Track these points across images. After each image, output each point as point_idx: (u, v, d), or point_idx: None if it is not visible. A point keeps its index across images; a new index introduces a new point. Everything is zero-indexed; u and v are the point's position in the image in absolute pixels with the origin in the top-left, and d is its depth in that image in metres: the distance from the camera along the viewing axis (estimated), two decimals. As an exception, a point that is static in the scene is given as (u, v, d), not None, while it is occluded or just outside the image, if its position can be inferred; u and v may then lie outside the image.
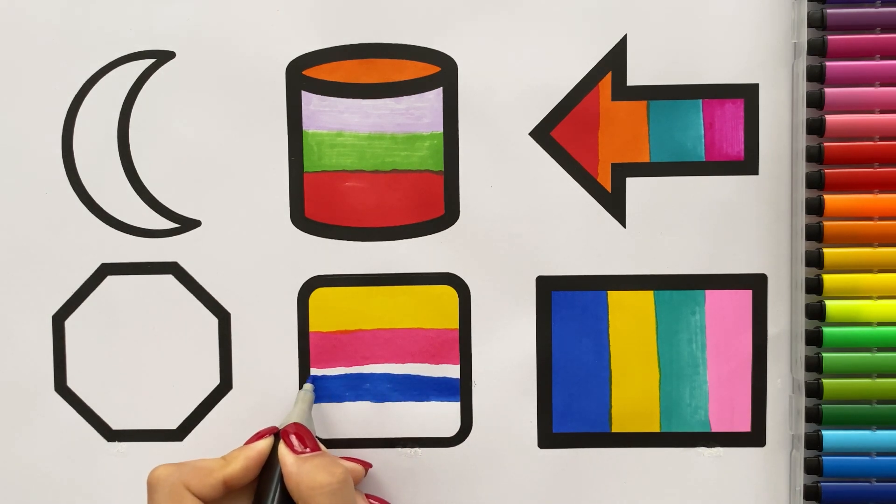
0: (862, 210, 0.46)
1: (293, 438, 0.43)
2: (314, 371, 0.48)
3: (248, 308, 0.48)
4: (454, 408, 0.48)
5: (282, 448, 0.43)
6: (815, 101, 0.45)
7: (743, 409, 0.47)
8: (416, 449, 0.48)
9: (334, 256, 0.48)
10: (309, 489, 0.41)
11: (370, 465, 0.47)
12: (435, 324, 0.48)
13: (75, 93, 0.48)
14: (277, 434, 0.44)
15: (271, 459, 0.43)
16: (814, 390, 0.46)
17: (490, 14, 0.47)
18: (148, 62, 0.47)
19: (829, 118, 0.45)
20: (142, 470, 0.48)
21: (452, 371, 0.48)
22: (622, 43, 0.47)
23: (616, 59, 0.47)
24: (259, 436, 0.44)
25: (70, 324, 0.48)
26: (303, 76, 0.47)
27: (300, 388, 0.48)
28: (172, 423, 0.48)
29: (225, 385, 0.48)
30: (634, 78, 0.47)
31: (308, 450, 0.43)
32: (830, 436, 0.46)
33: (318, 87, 0.47)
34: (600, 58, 0.47)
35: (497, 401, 0.48)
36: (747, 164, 0.47)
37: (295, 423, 0.44)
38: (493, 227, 0.47)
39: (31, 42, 0.48)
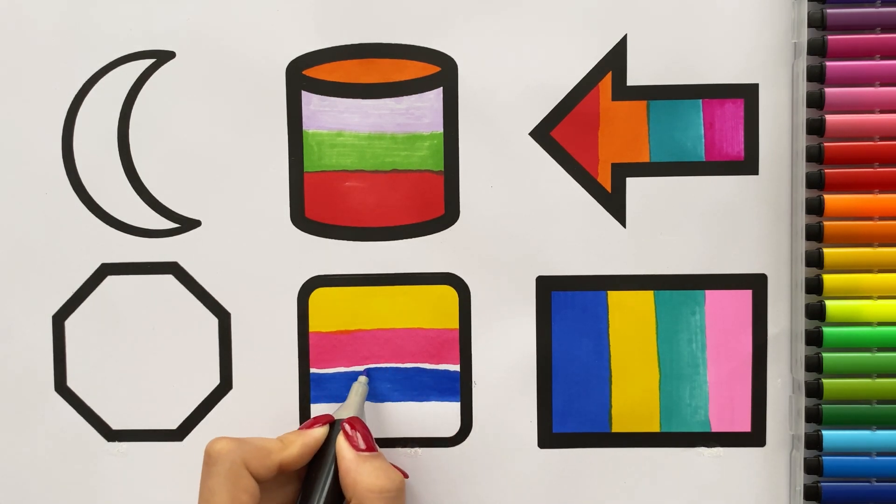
0: (862, 210, 0.46)
1: (356, 435, 0.43)
2: (314, 371, 0.48)
3: (248, 308, 0.48)
4: (454, 408, 0.48)
5: (341, 441, 0.43)
6: (815, 101, 0.45)
7: (743, 409, 0.47)
8: (416, 449, 0.48)
9: (334, 256, 0.48)
10: (367, 490, 0.41)
11: (407, 476, 0.47)
12: (435, 324, 0.48)
13: (75, 93, 0.48)
14: (333, 423, 0.44)
15: (324, 448, 0.43)
16: (814, 390, 0.46)
17: (490, 14, 0.47)
18: (148, 62, 0.47)
19: (829, 118, 0.45)
20: (142, 470, 0.48)
21: (452, 371, 0.48)
22: (622, 43, 0.47)
23: (616, 59, 0.47)
24: (314, 422, 0.44)
25: (70, 324, 0.48)
26: (303, 76, 0.47)
27: (300, 387, 0.48)
28: (172, 423, 0.48)
29: (225, 385, 0.48)
30: (634, 78, 0.47)
31: (366, 449, 0.43)
32: (830, 436, 0.46)
33: (318, 87, 0.47)
34: (600, 58, 0.47)
35: (497, 401, 0.48)
36: (747, 164, 0.47)
37: (357, 419, 0.44)
38: (493, 227, 0.47)
39: (31, 42, 0.48)
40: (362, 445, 0.43)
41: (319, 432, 0.44)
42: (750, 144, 0.47)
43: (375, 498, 0.41)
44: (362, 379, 0.47)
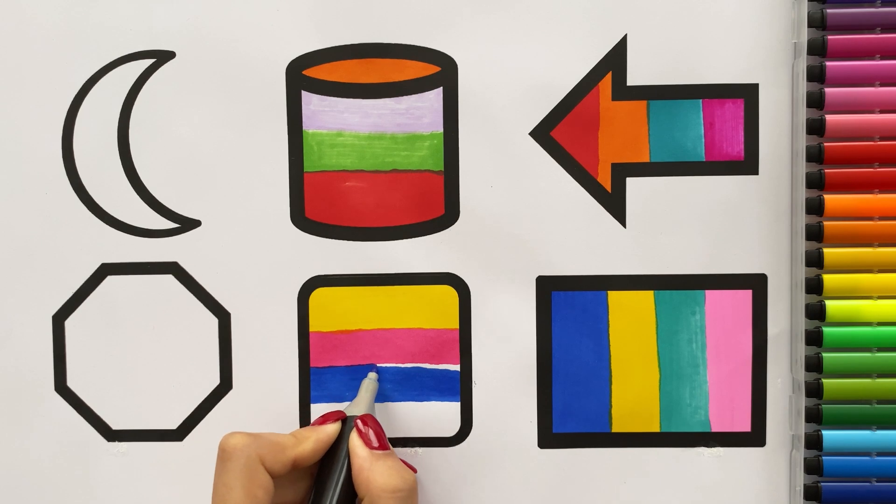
0: (862, 210, 0.46)
1: (370, 433, 0.43)
2: (314, 370, 0.48)
3: (248, 308, 0.48)
4: (454, 408, 0.48)
5: (354, 439, 0.43)
6: (815, 101, 0.45)
7: (743, 409, 0.47)
8: (417, 449, 0.48)
9: (334, 256, 0.48)
10: (380, 490, 0.41)
11: (416, 470, 0.47)
12: (435, 324, 0.48)
13: (75, 93, 0.48)
14: (345, 420, 0.44)
15: (336, 445, 0.44)
16: (814, 390, 0.46)
17: (490, 14, 0.47)
18: (148, 62, 0.47)
19: (829, 118, 0.45)
20: (142, 470, 0.48)
21: (452, 371, 0.48)
22: (622, 43, 0.47)
23: (616, 59, 0.47)
24: (327, 418, 0.44)
25: (70, 324, 0.48)
26: (303, 76, 0.47)
27: (300, 387, 0.48)
28: (172, 423, 0.48)
29: (225, 385, 0.48)
30: (634, 78, 0.47)
31: (379, 447, 0.43)
32: (830, 436, 0.46)
33: (318, 87, 0.47)
34: (600, 58, 0.47)
35: (497, 401, 0.48)
36: (747, 164, 0.47)
37: (370, 417, 0.44)
38: (493, 227, 0.47)
39: (31, 42, 0.48)
40: (375, 443, 0.43)
41: (332, 428, 0.44)
42: (750, 144, 0.47)
43: (389, 498, 0.41)
44: (372, 375, 0.47)
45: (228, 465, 0.41)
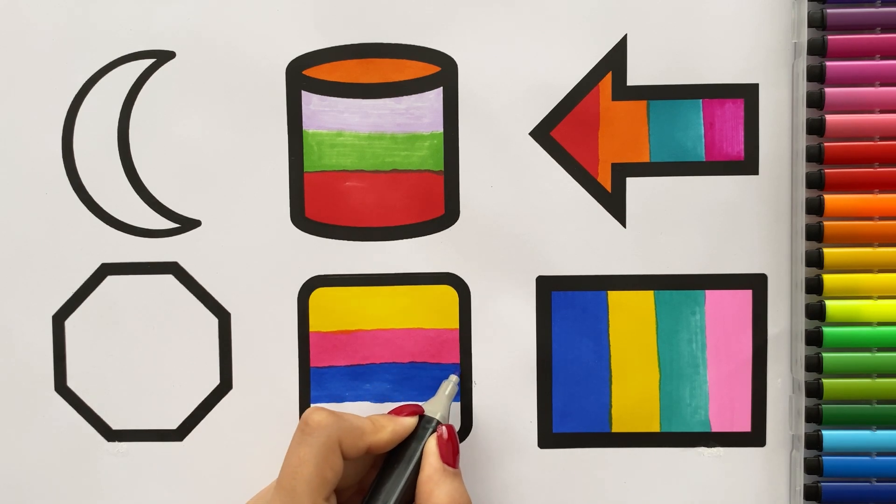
0: (862, 210, 0.46)
1: (451, 447, 0.43)
2: (314, 370, 0.48)
3: (248, 308, 0.48)
4: (454, 408, 0.48)
5: (432, 445, 0.43)
6: (815, 101, 0.45)
7: (743, 409, 0.47)
8: (416, 449, 0.48)
9: (334, 256, 0.48)
10: None
11: None
12: (435, 324, 0.48)
13: (75, 93, 0.48)
14: (421, 416, 0.44)
15: (408, 439, 0.43)
16: (814, 390, 0.46)
17: (490, 14, 0.47)
18: (148, 62, 0.47)
19: (829, 118, 0.45)
20: (142, 470, 0.48)
21: (453, 371, 0.47)
22: (622, 43, 0.47)
23: (616, 59, 0.47)
24: (403, 410, 0.44)
25: (70, 324, 0.48)
26: (303, 76, 0.47)
27: (300, 387, 0.48)
28: (172, 423, 0.48)
29: (225, 385, 0.48)
30: (634, 78, 0.47)
31: (452, 464, 0.43)
32: (830, 436, 0.46)
33: (318, 87, 0.47)
34: (600, 58, 0.47)
35: (497, 401, 0.48)
36: (747, 164, 0.47)
37: (453, 429, 0.44)
38: (493, 227, 0.47)
39: (31, 42, 0.47)
40: (450, 459, 0.43)
41: (410, 422, 0.43)
42: (750, 144, 0.47)
43: None
44: (453, 377, 0.46)
45: (308, 440, 0.41)
